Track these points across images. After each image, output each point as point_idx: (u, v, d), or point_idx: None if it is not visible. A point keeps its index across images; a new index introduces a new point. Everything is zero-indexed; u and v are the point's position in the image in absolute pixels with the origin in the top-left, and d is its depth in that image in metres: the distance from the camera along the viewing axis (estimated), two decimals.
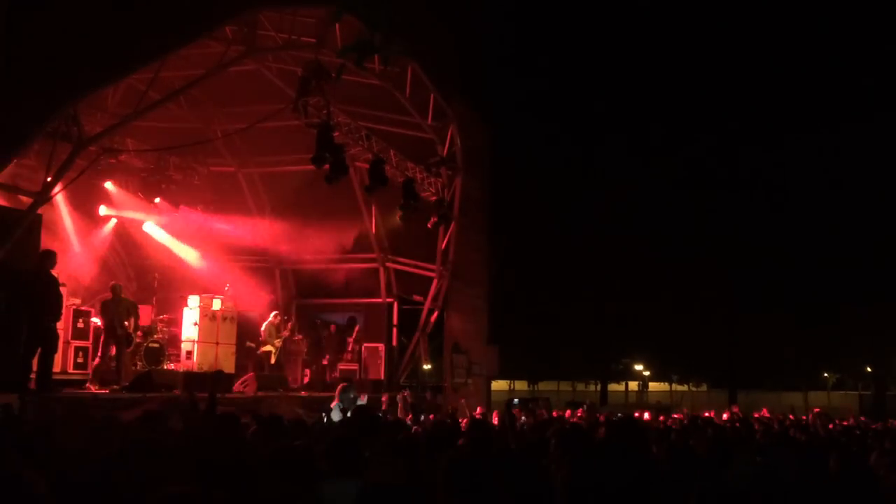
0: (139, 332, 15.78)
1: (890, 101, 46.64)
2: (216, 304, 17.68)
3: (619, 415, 15.34)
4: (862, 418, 13.12)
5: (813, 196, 46.90)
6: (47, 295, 11.98)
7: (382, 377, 20.66)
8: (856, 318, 41.71)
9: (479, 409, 16.99)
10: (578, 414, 16.02)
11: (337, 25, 14.43)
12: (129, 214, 18.33)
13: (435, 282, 21.68)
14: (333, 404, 10.10)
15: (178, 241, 19.34)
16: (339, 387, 10.89)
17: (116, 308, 14.42)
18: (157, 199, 18.53)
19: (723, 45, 55.39)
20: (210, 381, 13.88)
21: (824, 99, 51.67)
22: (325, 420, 10.28)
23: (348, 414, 9.56)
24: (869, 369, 51.81)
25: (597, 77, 58.93)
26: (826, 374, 63.66)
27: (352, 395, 10.52)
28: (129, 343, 14.89)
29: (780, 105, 53.98)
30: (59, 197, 13.72)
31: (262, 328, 18.18)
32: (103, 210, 17.34)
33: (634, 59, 57.75)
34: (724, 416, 12.30)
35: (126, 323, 14.52)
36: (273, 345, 18.17)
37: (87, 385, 13.69)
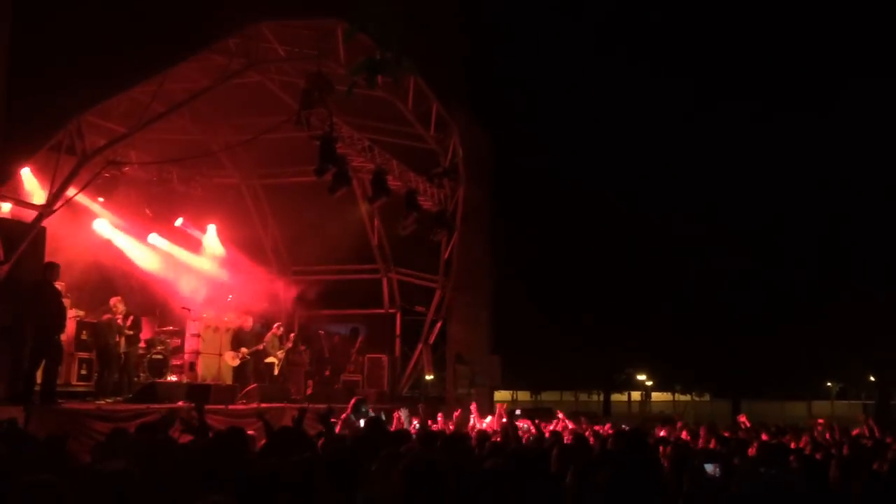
0: (142, 344, 15.78)
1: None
2: (218, 316, 17.69)
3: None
4: (874, 427, 12.98)
5: (813, 199, 46.79)
6: (51, 307, 12.01)
7: (385, 388, 20.64)
8: (859, 326, 41.64)
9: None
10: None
11: (340, 37, 14.51)
12: (132, 228, 18.33)
13: (438, 292, 21.71)
14: (345, 416, 10.12)
15: (180, 253, 19.35)
16: (353, 400, 10.95)
17: (109, 328, 14.31)
18: (160, 211, 18.58)
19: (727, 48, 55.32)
20: (195, 394, 13.93)
21: (821, 85, 51.50)
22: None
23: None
24: (872, 378, 51.71)
25: (598, 81, 58.91)
26: (829, 384, 63.59)
27: (363, 410, 10.57)
28: (119, 359, 14.74)
29: (774, 94, 53.94)
30: (64, 209, 13.72)
31: (265, 339, 18.13)
32: (106, 223, 17.35)
33: (637, 61, 57.83)
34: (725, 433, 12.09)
35: (117, 340, 14.43)
36: (276, 356, 18.14)
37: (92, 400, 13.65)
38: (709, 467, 6.13)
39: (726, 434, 11.36)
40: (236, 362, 17.41)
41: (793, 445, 10.24)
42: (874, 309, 39.80)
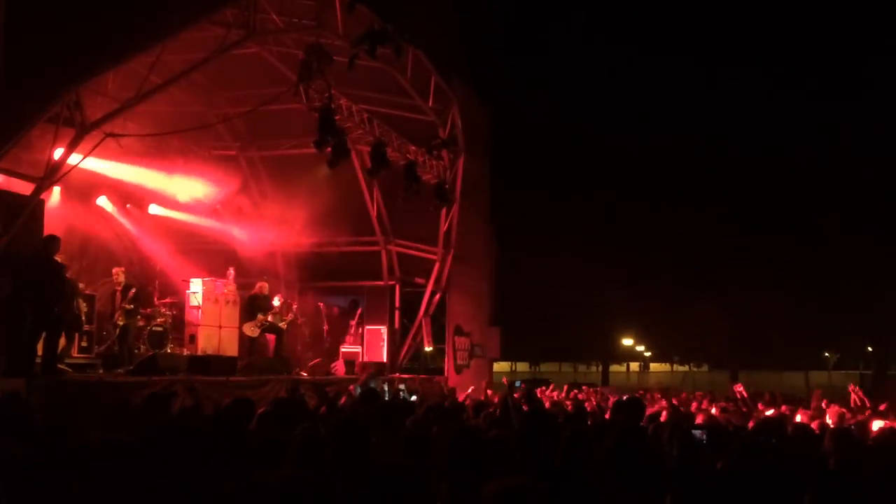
0: (141, 319, 15.71)
1: None
2: (219, 288, 17.72)
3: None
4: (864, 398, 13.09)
5: (812, 172, 46.74)
6: (50, 280, 12.02)
7: (385, 360, 20.74)
8: (856, 297, 41.80)
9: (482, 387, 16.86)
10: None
11: (338, 8, 14.40)
12: (131, 200, 18.30)
13: (437, 264, 21.72)
14: (353, 387, 10.23)
15: (180, 225, 19.32)
16: (366, 373, 11.07)
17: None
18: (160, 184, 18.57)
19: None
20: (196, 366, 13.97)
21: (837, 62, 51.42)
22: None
23: None
24: (870, 349, 51.97)
25: (596, 52, 58.76)
26: (827, 354, 63.89)
27: (372, 384, 10.68)
28: (79, 328, 14.55)
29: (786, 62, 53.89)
30: (62, 182, 13.69)
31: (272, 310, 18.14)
32: (104, 197, 17.35)
33: (635, 34, 57.60)
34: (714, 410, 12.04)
35: (74, 306, 14.07)
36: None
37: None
38: (696, 433, 6.28)
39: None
40: (255, 332, 17.42)
41: (786, 411, 10.35)
42: (872, 280, 39.93)
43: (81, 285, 14.94)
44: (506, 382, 12.67)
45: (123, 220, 17.98)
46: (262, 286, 17.98)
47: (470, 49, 22.17)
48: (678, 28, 56.69)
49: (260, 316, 17.41)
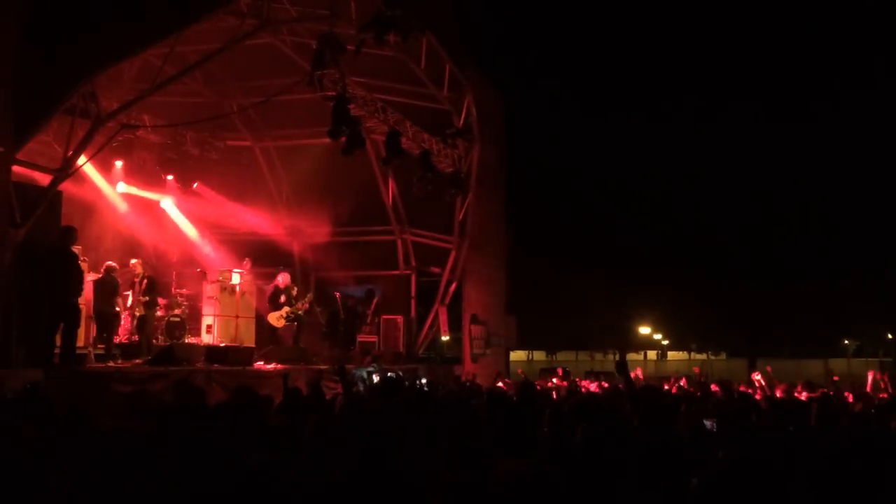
0: (161, 310, 15.83)
1: None
2: (235, 279, 17.76)
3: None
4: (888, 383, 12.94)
5: (830, 161, 46.42)
6: (68, 271, 12.08)
7: (402, 349, 20.76)
8: (876, 284, 41.49)
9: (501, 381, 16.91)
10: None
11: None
12: (147, 192, 18.39)
13: (453, 253, 21.69)
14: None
15: (195, 216, 19.41)
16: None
17: (103, 288, 14.11)
18: (173, 176, 18.66)
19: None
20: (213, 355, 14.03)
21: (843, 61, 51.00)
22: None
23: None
24: (889, 336, 51.60)
25: (612, 40, 58.42)
26: (846, 342, 63.44)
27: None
28: (115, 323, 14.69)
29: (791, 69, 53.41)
30: (79, 173, 13.77)
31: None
32: (121, 187, 17.44)
33: (652, 20, 57.24)
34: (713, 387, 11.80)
35: (113, 302, 14.33)
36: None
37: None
38: (707, 423, 6.24)
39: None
40: (282, 322, 17.48)
41: (805, 397, 10.27)
42: (891, 268, 39.62)
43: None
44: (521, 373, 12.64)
45: (139, 209, 18.06)
46: (284, 276, 18.04)
47: (481, 35, 22.09)
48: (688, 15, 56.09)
49: (287, 308, 17.47)
